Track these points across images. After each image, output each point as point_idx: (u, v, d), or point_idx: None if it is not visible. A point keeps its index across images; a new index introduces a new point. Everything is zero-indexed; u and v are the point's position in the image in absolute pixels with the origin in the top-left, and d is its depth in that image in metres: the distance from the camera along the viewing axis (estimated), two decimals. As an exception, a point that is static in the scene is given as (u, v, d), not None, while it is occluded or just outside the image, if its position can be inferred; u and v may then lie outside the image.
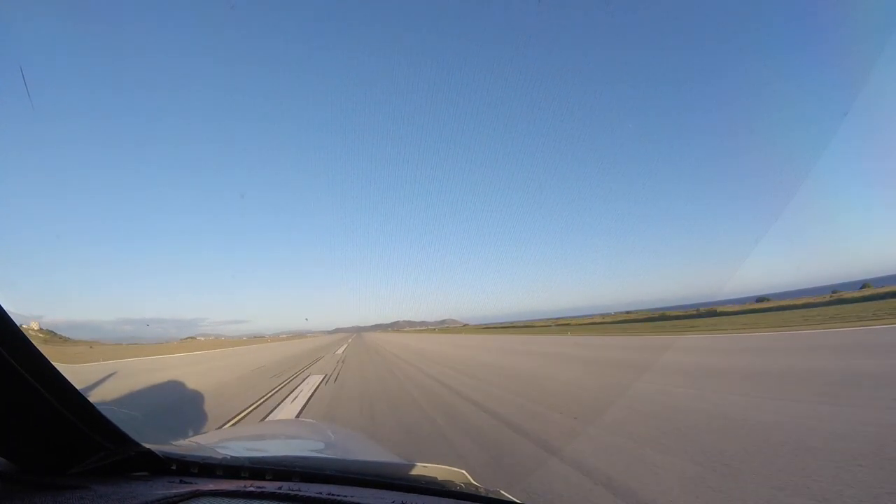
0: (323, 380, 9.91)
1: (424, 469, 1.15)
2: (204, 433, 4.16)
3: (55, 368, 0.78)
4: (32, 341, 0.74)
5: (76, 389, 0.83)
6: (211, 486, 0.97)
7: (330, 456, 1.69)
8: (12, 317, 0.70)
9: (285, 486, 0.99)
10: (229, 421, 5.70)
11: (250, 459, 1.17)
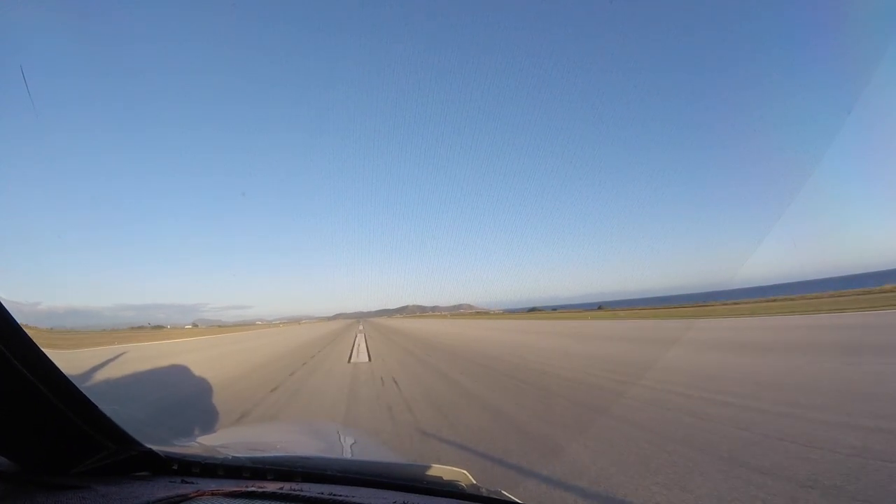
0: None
1: (426, 469, 1.15)
2: (207, 434, 4.17)
3: (57, 367, 0.78)
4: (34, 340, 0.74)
5: (78, 388, 0.83)
6: (213, 486, 0.96)
7: (331, 456, 1.69)
8: (11, 307, 0.70)
9: (287, 487, 0.98)
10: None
11: (252, 459, 1.17)
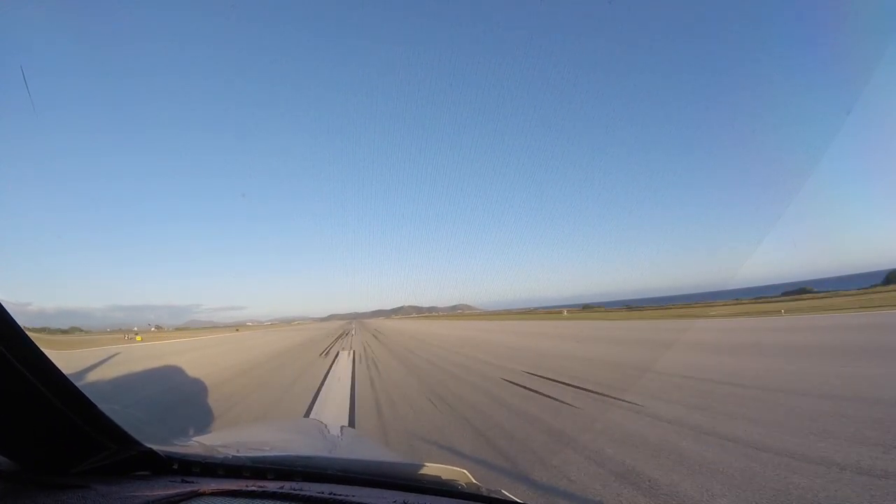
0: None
1: (426, 468, 1.15)
2: (206, 433, 4.17)
3: (57, 368, 0.78)
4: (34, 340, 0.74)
5: (78, 389, 0.83)
6: (212, 485, 0.97)
7: (331, 455, 1.69)
8: (8, 308, 0.70)
9: (287, 486, 0.98)
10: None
11: (252, 459, 1.17)
